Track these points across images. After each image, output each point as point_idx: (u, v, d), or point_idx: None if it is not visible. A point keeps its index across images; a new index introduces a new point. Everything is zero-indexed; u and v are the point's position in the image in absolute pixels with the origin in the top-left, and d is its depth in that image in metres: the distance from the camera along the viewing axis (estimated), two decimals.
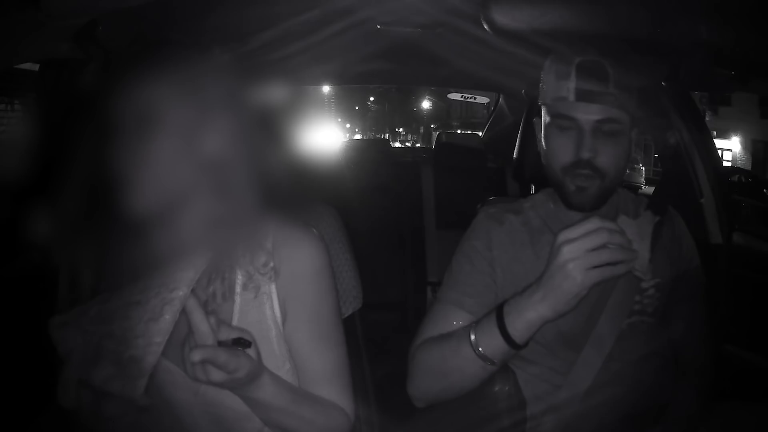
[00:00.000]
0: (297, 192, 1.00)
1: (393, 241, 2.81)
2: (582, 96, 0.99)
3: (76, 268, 0.87)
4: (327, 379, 0.92)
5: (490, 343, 0.92)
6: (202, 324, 0.70)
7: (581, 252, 0.84)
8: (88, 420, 0.71)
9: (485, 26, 1.00)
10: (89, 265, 0.87)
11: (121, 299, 0.69)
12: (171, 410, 0.84)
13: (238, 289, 0.87)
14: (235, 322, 0.86)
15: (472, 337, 0.93)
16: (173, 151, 0.78)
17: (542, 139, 1.09)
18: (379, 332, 1.51)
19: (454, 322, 1.04)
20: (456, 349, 0.96)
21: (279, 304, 0.88)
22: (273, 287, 0.88)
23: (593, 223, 0.86)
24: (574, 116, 1.00)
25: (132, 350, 0.65)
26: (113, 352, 0.66)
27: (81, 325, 0.69)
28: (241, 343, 0.74)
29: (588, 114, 0.99)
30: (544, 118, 1.08)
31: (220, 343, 0.72)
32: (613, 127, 1.00)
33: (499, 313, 0.92)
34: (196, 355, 0.69)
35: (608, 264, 0.85)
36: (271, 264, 0.88)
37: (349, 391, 0.93)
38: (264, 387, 0.79)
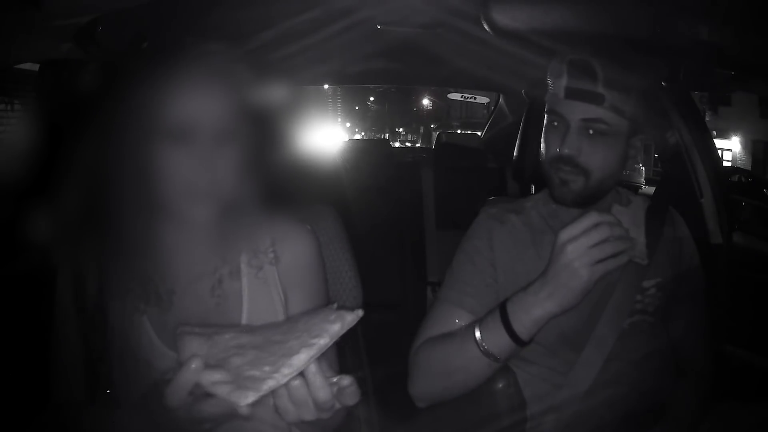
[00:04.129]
0: (296, 191, 1.01)
1: (393, 241, 2.80)
2: (570, 94, 1.01)
3: (79, 268, 0.88)
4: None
5: (495, 339, 0.92)
6: (323, 391, 0.66)
7: (585, 249, 0.86)
8: (181, 422, 0.69)
9: (485, 26, 1.00)
10: (92, 265, 0.87)
11: (262, 336, 0.69)
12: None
13: (243, 268, 0.91)
14: (245, 308, 0.90)
15: (477, 334, 0.94)
16: (174, 152, 0.79)
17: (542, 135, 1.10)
18: (379, 332, 1.50)
19: (455, 322, 1.04)
20: (460, 346, 0.96)
21: (282, 288, 0.93)
22: (275, 272, 0.93)
23: (592, 218, 0.87)
24: (562, 113, 1.02)
25: (256, 371, 0.64)
26: (237, 366, 0.65)
27: (213, 341, 0.68)
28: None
29: (575, 111, 1.01)
30: (545, 114, 1.09)
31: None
32: (601, 127, 1.00)
33: (503, 310, 0.93)
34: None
35: (611, 256, 0.87)
36: (272, 249, 0.93)
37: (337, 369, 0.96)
38: None
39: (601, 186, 1.04)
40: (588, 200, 1.05)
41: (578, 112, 1.00)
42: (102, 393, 0.84)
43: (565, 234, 0.88)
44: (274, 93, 0.97)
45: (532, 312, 0.90)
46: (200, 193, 0.81)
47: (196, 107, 0.80)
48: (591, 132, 1.00)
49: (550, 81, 1.05)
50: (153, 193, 0.81)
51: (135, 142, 0.80)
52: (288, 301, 0.93)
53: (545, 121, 1.08)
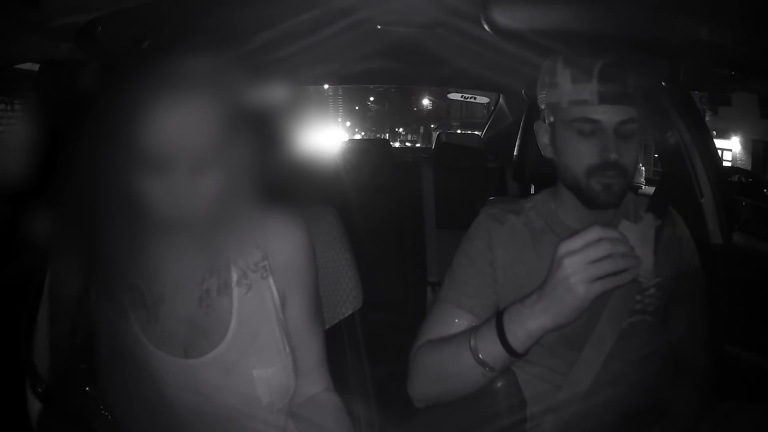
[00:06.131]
0: (295, 191, 1.01)
1: (393, 241, 2.81)
2: (606, 98, 0.99)
3: (66, 267, 0.87)
4: (321, 360, 0.99)
5: (490, 350, 0.92)
6: None
7: (583, 265, 0.82)
8: None
9: (485, 26, 1.00)
10: (80, 266, 0.87)
11: None
12: (172, 409, 0.85)
13: (233, 285, 0.90)
14: (235, 309, 0.89)
15: (472, 342, 0.93)
16: (173, 153, 0.79)
17: (555, 143, 1.07)
18: (379, 332, 1.50)
19: (455, 322, 1.04)
20: (456, 354, 0.96)
21: (278, 292, 0.92)
22: (270, 281, 0.92)
23: (594, 233, 0.83)
24: (597, 119, 1.00)
25: None
26: None
27: None
28: None
29: (611, 116, 0.99)
30: (557, 121, 1.06)
31: None
32: (632, 127, 1.00)
33: (498, 320, 0.92)
34: None
35: (611, 274, 0.83)
36: (265, 263, 0.92)
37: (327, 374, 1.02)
38: None
39: (631, 182, 1.04)
40: (623, 198, 1.05)
41: (614, 115, 0.99)
42: (82, 393, 0.84)
43: (564, 247, 0.85)
44: (269, 99, 0.96)
45: (527, 325, 0.88)
46: (177, 219, 0.80)
47: (170, 137, 0.76)
48: (625, 132, 1.00)
49: (565, 87, 1.02)
50: (134, 207, 0.80)
51: (114, 157, 0.78)
52: (286, 299, 0.93)
53: (568, 131, 1.03)
